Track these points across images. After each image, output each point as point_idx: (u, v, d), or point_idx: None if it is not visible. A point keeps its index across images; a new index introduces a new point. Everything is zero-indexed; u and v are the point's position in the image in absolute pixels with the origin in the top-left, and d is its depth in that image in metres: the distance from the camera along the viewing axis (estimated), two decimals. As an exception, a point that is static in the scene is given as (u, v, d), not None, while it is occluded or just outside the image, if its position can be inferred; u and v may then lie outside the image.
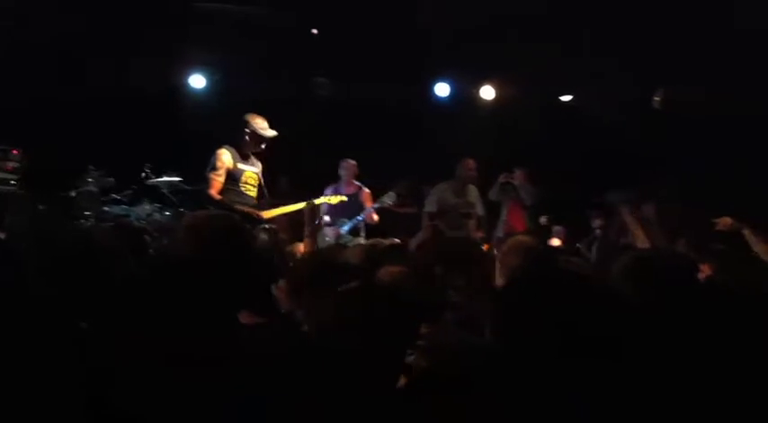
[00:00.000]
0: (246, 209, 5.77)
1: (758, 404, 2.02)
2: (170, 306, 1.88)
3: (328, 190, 7.60)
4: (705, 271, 3.77)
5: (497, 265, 3.47)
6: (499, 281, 3.36)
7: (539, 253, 3.26)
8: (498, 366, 2.24)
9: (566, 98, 9.39)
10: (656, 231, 5.10)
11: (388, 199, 7.51)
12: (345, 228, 7.46)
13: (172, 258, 2.54)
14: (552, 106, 9.37)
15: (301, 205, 6.38)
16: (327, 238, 7.41)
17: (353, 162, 7.86)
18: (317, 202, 6.77)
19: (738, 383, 2.12)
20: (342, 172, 7.83)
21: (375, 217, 7.58)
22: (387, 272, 3.14)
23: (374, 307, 2.42)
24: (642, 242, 4.80)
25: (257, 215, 5.84)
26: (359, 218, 7.50)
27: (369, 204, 7.59)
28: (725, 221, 4.23)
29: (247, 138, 5.91)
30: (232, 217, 3.34)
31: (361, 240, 7.26)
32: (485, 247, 6.81)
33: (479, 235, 8.13)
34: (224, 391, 1.83)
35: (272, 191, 6.21)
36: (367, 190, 7.65)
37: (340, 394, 2.02)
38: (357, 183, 7.77)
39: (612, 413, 2.02)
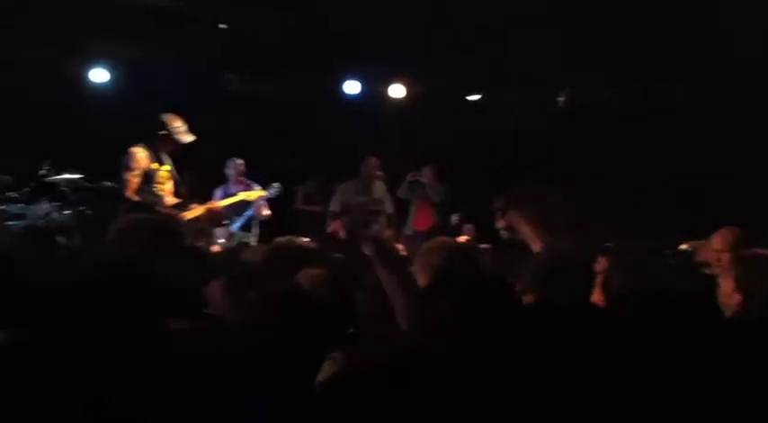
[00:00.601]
0: (166, 210, 5.65)
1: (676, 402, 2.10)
2: (103, 313, 1.84)
3: (218, 191, 7.55)
4: (602, 264, 3.87)
5: (417, 264, 3.49)
6: (420, 280, 3.37)
7: (462, 253, 3.29)
8: (423, 363, 2.27)
9: (473, 98, 9.53)
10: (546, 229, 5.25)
11: (274, 190, 7.47)
12: (236, 225, 7.39)
13: (107, 263, 2.48)
14: (462, 105, 9.50)
15: (232, 200, 6.28)
16: (219, 238, 7.32)
17: (240, 161, 7.88)
18: (238, 198, 6.72)
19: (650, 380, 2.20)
20: (229, 171, 7.85)
21: (266, 211, 7.54)
22: (306, 275, 3.14)
23: (294, 310, 2.42)
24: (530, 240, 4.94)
25: (178, 217, 5.73)
26: (248, 214, 7.44)
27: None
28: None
29: (163, 139, 5.78)
30: (166, 220, 3.31)
31: (252, 237, 7.22)
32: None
33: (389, 232, 8.17)
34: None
35: (179, 189, 6.09)
36: (257, 186, 7.58)
37: (266, 394, 2.01)
38: (245, 180, 7.75)
39: (542, 412, 2.07)
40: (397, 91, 9.27)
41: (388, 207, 8.47)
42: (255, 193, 7.15)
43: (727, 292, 3.06)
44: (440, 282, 2.96)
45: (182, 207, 5.85)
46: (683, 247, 4.89)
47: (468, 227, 8.21)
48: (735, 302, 3.04)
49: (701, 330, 2.47)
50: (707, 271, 3.79)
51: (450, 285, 2.81)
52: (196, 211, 5.93)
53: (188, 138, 5.82)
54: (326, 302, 2.76)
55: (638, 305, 2.87)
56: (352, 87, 9.24)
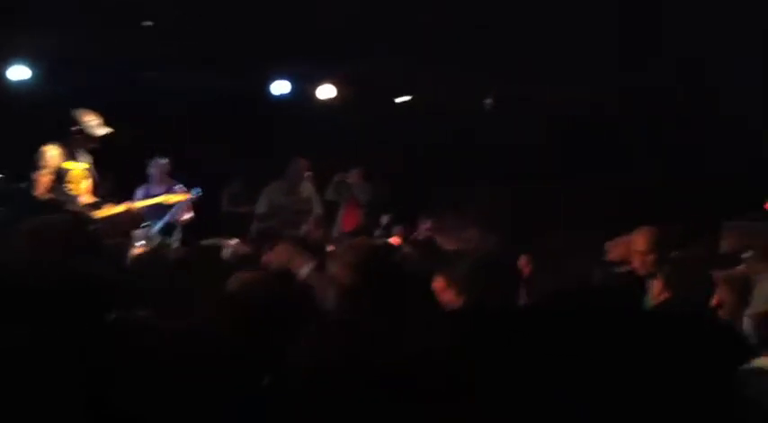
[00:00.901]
0: (78, 209, 5.57)
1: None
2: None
3: (139, 191, 7.40)
4: (524, 263, 3.90)
5: (337, 264, 3.46)
6: (340, 280, 3.34)
7: (379, 253, 3.29)
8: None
9: (403, 99, 9.53)
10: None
11: (195, 193, 7.31)
12: (155, 228, 7.23)
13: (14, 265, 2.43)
14: (391, 107, 9.49)
15: (151, 202, 6.17)
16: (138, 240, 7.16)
17: (164, 161, 7.72)
18: (158, 200, 6.66)
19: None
20: (152, 171, 7.68)
21: (187, 215, 7.39)
22: (237, 279, 3.07)
23: (229, 316, 2.37)
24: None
25: (90, 216, 5.64)
26: (168, 217, 7.28)
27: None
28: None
29: (77, 135, 5.68)
30: (75, 219, 3.28)
31: (175, 241, 7.10)
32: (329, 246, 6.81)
33: (318, 233, 8.11)
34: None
35: (98, 188, 5.96)
36: (180, 187, 7.43)
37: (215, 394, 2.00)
38: (169, 180, 7.59)
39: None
40: (326, 92, 9.21)
41: (317, 207, 8.41)
42: (176, 197, 6.99)
43: (656, 292, 3.13)
44: (358, 281, 2.94)
45: (97, 206, 5.76)
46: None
47: (397, 228, 8.21)
48: (662, 300, 3.11)
49: (624, 326, 2.49)
50: (623, 270, 3.84)
51: (369, 284, 2.79)
52: (111, 209, 5.83)
53: (101, 131, 5.73)
54: (261, 304, 2.70)
55: (560, 302, 2.88)
56: (280, 87, 9.14)
